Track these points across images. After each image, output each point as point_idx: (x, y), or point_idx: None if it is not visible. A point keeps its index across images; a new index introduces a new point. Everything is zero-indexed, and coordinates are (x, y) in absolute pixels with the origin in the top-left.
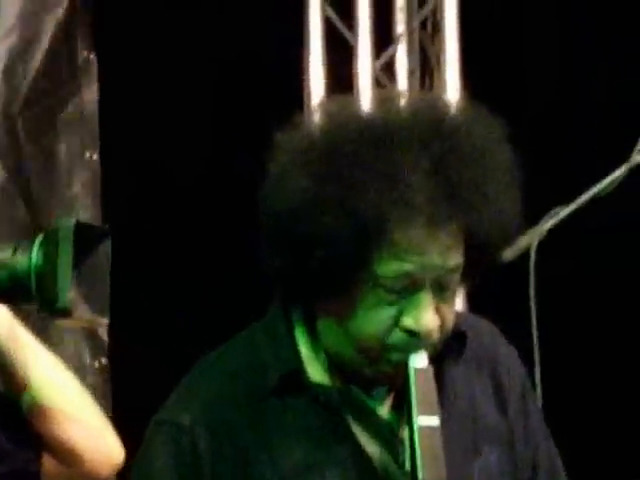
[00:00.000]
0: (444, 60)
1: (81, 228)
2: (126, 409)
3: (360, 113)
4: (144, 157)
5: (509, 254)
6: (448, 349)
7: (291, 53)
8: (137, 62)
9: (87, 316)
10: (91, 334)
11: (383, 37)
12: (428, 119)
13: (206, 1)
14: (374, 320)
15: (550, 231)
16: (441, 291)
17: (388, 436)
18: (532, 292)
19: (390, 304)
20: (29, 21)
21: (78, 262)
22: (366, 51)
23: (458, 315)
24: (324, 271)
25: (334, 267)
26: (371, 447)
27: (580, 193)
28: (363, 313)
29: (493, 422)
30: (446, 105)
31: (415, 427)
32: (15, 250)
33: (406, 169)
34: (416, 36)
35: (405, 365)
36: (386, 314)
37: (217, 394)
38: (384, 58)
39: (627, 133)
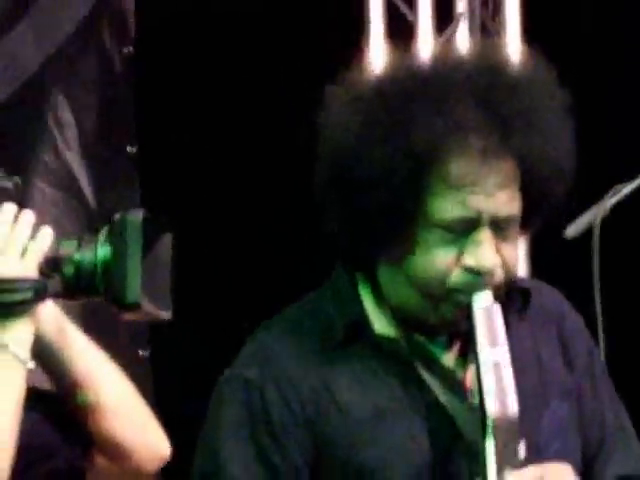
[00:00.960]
0: (505, 39)
1: (147, 220)
2: (168, 401)
3: (410, 62)
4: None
5: (572, 231)
6: (512, 303)
7: (353, 33)
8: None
9: (151, 311)
10: (132, 325)
11: (444, 16)
12: (477, 59)
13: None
14: (435, 260)
15: (613, 208)
16: (501, 230)
17: (454, 383)
18: (596, 269)
19: (449, 243)
20: None
21: (143, 255)
22: (427, 29)
23: (522, 278)
24: (382, 212)
25: (391, 206)
26: (440, 394)
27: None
28: (423, 254)
29: (560, 377)
30: (497, 49)
31: (481, 359)
32: (79, 244)
33: (455, 101)
34: (477, 15)
35: (469, 307)
36: (446, 254)
37: (284, 349)
38: (445, 36)
39: None
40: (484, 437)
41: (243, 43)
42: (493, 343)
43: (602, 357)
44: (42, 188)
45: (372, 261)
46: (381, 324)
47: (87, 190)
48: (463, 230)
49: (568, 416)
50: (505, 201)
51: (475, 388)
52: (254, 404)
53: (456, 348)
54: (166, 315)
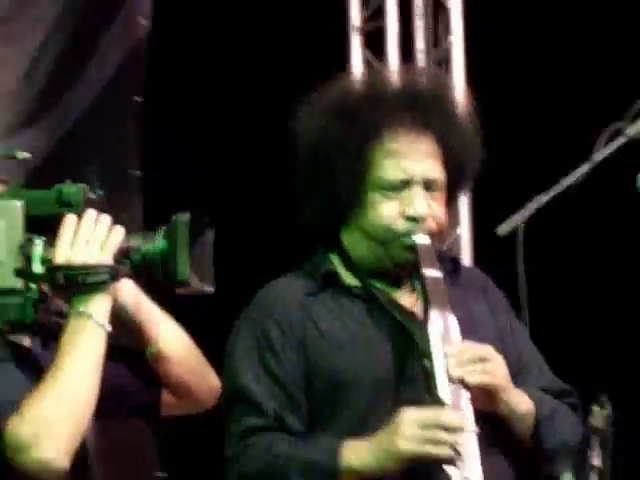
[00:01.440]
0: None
1: (194, 220)
2: None
3: (363, 81)
4: None
5: (503, 230)
6: (446, 271)
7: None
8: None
9: (198, 286)
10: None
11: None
12: (409, 78)
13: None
14: (383, 214)
15: (534, 212)
16: (430, 190)
17: (405, 312)
18: (520, 261)
19: (392, 200)
20: None
21: (191, 245)
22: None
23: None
24: (342, 182)
25: (348, 175)
26: (396, 315)
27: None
28: (374, 211)
29: (486, 323)
30: (426, 75)
31: (425, 276)
32: (143, 238)
33: (391, 100)
34: (432, 70)
35: (413, 245)
36: (390, 208)
37: (279, 296)
38: None
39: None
40: (427, 326)
41: (232, 74)
42: (432, 266)
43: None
44: None
45: (337, 232)
46: (348, 277)
47: None
48: (402, 189)
49: (490, 343)
50: (431, 167)
51: (419, 298)
52: (259, 335)
53: (407, 289)
54: (210, 290)
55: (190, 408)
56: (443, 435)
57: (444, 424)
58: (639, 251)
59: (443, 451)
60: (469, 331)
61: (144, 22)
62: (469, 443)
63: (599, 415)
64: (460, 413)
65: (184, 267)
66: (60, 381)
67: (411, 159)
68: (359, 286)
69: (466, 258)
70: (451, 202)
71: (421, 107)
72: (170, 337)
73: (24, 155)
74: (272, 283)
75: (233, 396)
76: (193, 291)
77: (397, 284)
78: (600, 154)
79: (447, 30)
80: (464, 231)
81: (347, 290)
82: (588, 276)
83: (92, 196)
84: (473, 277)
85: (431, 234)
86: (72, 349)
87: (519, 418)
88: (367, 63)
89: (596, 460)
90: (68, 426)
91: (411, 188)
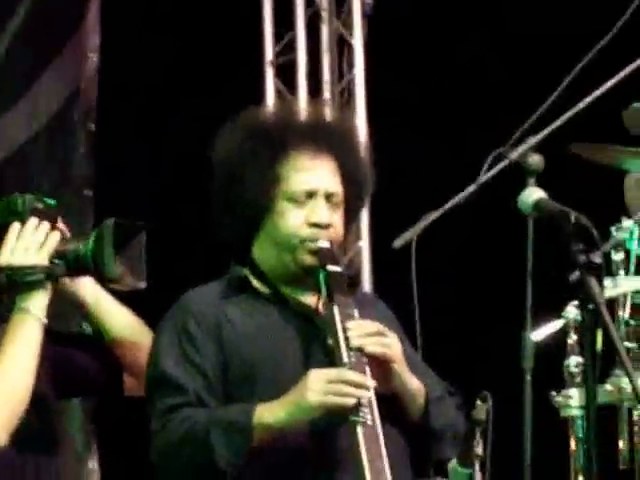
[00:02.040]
0: (355, 117)
1: (121, 225)
2: None
3: (271, 109)
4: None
5: (398, 243)
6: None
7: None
8: None
9: (130, 283)
10: None
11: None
12: (311, 111)
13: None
14: (290, 221)
15: (425, 227)
16: (331, 203)
17: (311, 310)
18: (413, 271)
19: (298, 209)
20: None
21: (123, 247)
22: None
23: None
24: (253, 194)
25: (258, 188)
26: (302, 312)
27: (448, 200)
28: (281, 220)
29: None
30: (327, 107)
31: (328, 270)
32: (79, 242)
33: (296, 126)
34: (337, 100)
35: (317, 249)
36: (296, 216)
37: (197, 298)
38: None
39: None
40: (332, 307)
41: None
42: (333, 262)
43: (419, 349)
44: None
45: (248, 245)
46: (257, 284)
47: None
48: (306, 200)
49: None
50: (332, 182)
51: (322, 288)
52: (179, 330)
53: (312, 293)
54: (142, 286)
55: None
56: (347, 388)
57: (347, 379)
58: (518, 263)
59: (348, 401)
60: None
61: (94, 57)
62: (369, 396)
63: (481, 408)
64: (361, 374)
65: (111, 265)
66: (0, 369)
67: (315, 174)
68: (269, 292)
69: (366, 268)
70: (349, 216)
71: (322, 132)
72: (127, 326)
73: None
74: (191, 290)
75: (156, 381)
76: (125, 287)
77: (303, 288)
78: (485, 176)
79: (350, 64)
80: (364, 244)
81: (258, 294)
82: (473, 286)
83: (39, 205)
84: (366, 297)
85: (331, 241)
86: (12, 340)
87: (411, 395)
88: (279, 93)
89: (479, 449)
90: (6, 407)
91: (315, 199)
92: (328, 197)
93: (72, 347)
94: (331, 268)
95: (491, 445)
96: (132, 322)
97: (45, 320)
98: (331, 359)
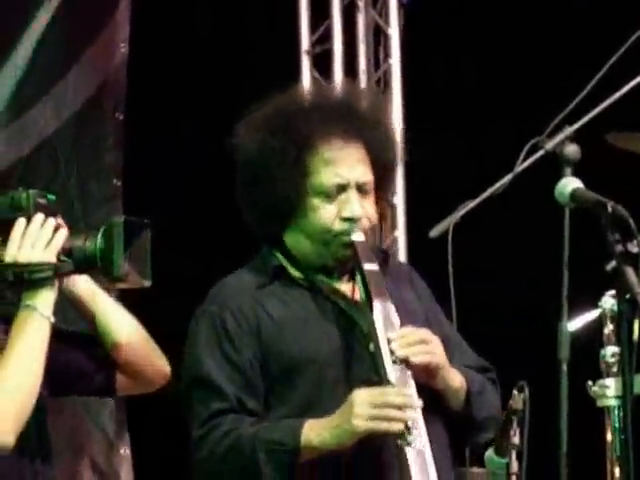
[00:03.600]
0: (391, 106)
1: (129, 222)
2: None
3: (293, 97)
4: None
5: (435, 233)
6: (377, 258)
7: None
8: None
9: (137, 281)
10: None
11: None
12: (335, 94)
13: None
14: (322, 216)
15: (462, 217)
16: (362, 192)
17: (346, 298)
18: (450, 260)
19: (329, 203)
20: None
21: (129, 244)
22: None
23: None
24: (283, 190)
25: (288, 184)
26: (339, 303)
27: (483, 190)
28: (313, 214)
29: (416, 309)
30: (349, 88)
31: (365, 269)
32: (85, 239)
33: (325, 112)
34: (358, 85)
35: (351, 242)
36: (328, 210)
37: (232, 289)
38: None
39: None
40: (372, 315)
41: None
42: (370, 260)
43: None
44: None
45: (280, 235)
46: (294, 271)
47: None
48: (337, 193)
49: (422, 326)
50: (363, 172)
51: (361, 289)
52: (217, 326)
53: (345, 279)
54: (148, 284)
55: (141, 389)
56: (393, 412)
57: (393, 403)
58: (554, 253)
59: (395, 427)
60: (404, 316)
61: (123, 47)
62: (416, 418)
63: (518, 398)
64: (406, 391)
65: (120, 264)
66: (7, 367)
67: (345, 165)
68: (304, 278)
69: (402, 257)
70: (380, 195)
71: (348, 117)
72: (122, 325)
73: None
74: (224, 279)
75: (195, 383)
76: (132, 285)
77: (337, 276)
78: (521, 166)
79: (386, 53)
80: (400, 233)
81: (294, 282)
82: (509, 276)
83: (42, 201)
84: (400, 268)
85: (365, 232)
86: (19, 338)
87: (453, 392)
88: (315, 82)
89: (515, 438)
90: (14, 406)
91: (346, 192)
92: (359, 187)
93: (66, 344)
94: (368, 267)
95: (527, 435)
96: (127, 320)
97: (53, 318)
98: (374, 366)
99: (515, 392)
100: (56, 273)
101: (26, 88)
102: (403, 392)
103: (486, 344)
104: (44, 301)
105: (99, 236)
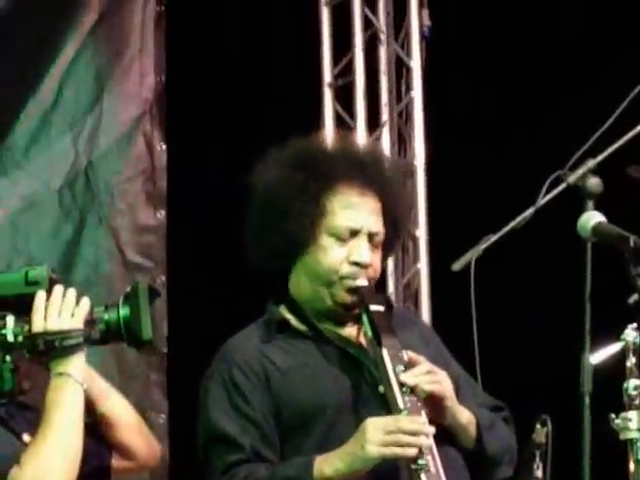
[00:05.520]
0: (413, 138)
1: (151, 288)
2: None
3: (317, 141)
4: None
5: (457, 266)
6: (380, 304)
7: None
8: None
9: (158, 346)
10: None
11: (373, 123)
12: (361, 149)
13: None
14: (331, 257)
15: (484, 250)
16: (372, 242)
17: (352, 343)
18: (472, 292)
19: (340, 246)
20: None
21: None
22: (362, 133)
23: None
24: (299, 225)
25: (305, 220)
26: (344, 347)
27: (505, 224)
28: (323, 254)
29: (421, 349)
30: (367, 144)
31: (371, 309)
32: (105, 307)
33: (344, 163)
34: (395, 122)
35: (356, 287)
36: (338, 253)
37: (240, 346)
38: (374, 136)
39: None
40: (381, 351)
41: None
42: (376, 301)
43: (478, 370)
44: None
45: (285, 280)
46: (297, 323)
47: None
48: (349, 237)
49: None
50: (376, 222)
51: (367, 328)
52: (227, 382)
53: (349, 325)
54: (164, 350)
55: (135, 470)
56: (406, 438)
57: (406, 429)
58: (576, 286)
59: (408, 452)
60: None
61: (159, 78)
62: (430, 443)
63: (541, 432)
64: (418, 418)
65: (147, 328)
66: (51, 434)
67: (361, 212)
68: (307, 329)
69: (425, 290)
70: (385, 253)
71: (371, 170)
72: (118, 406)
73: None
74: (231, 338)
75: (211, 439)
76: (153, 352)
77: (340, 322)
78: (543, 199)
79: (408, 86)
80: (423, 266)
81: (298, 333)
82: (531, 309)
83: (53, 275)
84: (403, 313)
85: (369, 280)
86: (58, 406)
87: (462, 427)
88: (337, 115)
89: (538, 472)
90: (64, 472)
91: (358, 238)
92: (370, 236)
93: None
94: (374, 308)
95: (551, 468)
96: (122, 402)
97: (85, 385)
98: (385, 404)
99: (538, 426)
100: (86, 339)
101: (54, 122)
102: (415, 419)
103: (508, 377)
104: (76, 368)
105: (121, 304)
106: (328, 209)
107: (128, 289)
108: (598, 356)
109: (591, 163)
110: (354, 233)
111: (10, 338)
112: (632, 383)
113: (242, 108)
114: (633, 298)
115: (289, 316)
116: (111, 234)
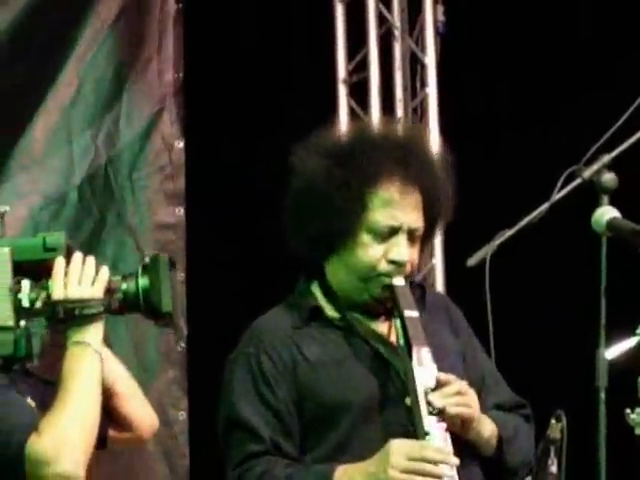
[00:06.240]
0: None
1: (171, 262)
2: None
3: (360, 130)
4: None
5: (472, 261)
6: (415, 298)
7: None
8: None
9: (174, 319)
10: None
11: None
12: (398, 133)
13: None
14: (369, 254)
15: (499, 246)
16: (411, 238)
17: (383, 340)
18: (488, 289)
19: (379, 243)
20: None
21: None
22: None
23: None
24: (340, 218)
25: (346, 214)
26: (376, 346)
27: (520, 219)
28: (362, 250)
29: (453, 349)
30: (412, 131)
31: (405, 316)
32: (123, 277)
33: (386, 155)
34: (410, 118)
35: (391, 285)
36: (377, 250)
37: (268, 330)
38: None
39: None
40: (411, 362)
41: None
42: (410, 307)
43: (492, 344)
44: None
45: (321, 267)
46: (329, 310)
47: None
48: (389, 234)
49: (458, 368)
50: (416, 218)
51: (400, 335)
52: (253, 367)
53: (382, 319)
54: (181, 324)
55: (129, 441)
56: (429, 467)
57: (431, 458)
58: (592, 281)
59: None
60: (441, 359)
61: (176, 75)
62: (453, 476)
63: (556, 427)
64: (444, 447)
65: (168, 300)
66: (71, 401)
67: (402, 209)
68: (340, 318)
69: (440, 286)
70: (424, 244)
71: (411, 163)
72: (121, 378)
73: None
74: (261, 318)
75: (231, 425)
76: (168, 324)
77: (373, 315)
78: (558, 194)
79: (423, 82)
80: (438, 262)
81: (330, 322)
82: (546, 304)
83: (70, 242)
84: (436, 299)
85: (406, 276)
86: (76, 374)
87: (485, 442)
88: (352, 110)
89: (553, 467)
90: (82, 440)
91: (397, 235)
92: (410, 232)
93: None
94: (408, 314)
95: (566, 464)
96: (125, 374)
97: (103, 354)
98: (412, 418)
99: (553, 421)
100: (106, 309)
101: (73, 117)
102: (441, 449)
103: (524, 372)
104: (95, 337)
105: (140, 275)
106: (369, 206)
107: (147, 260)
108: (613, 351)
109: (606, 158)
110: (394, 230)
111: (25, 303)
112: None
113: (259, 104)
114: None
115: (323, 302)
116: (130, 231)
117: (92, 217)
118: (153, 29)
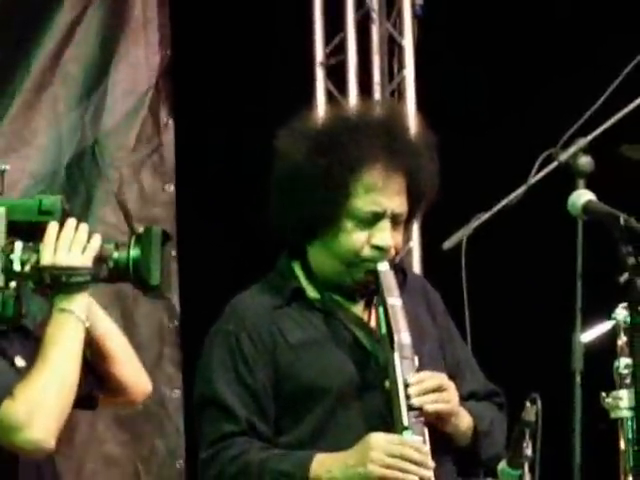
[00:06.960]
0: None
1: (164, 234)
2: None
3: (341, 113)
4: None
5: (448, 244)
6: (398, 282)
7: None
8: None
9: (164, 291)
10: (167, 303)
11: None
12: (382, 116)
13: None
14: (353, 239)
15: (475, 229)
16: (395, 223)
17: (362, 324)
18: (463, 271)
19: (363, 229)
20: None
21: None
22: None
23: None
24: (323, 203)
25: (329, 200)
26: (355, 331)
27: (497, 202)
28: (345, 236)
29: (430, 332)
30: (393, 113)
31: (387, 304)
32: (116, 246)
33: (368, 139)
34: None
35: (375, 270)
36: (361, 235)
37: (249, 308)
38: None
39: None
40: (393, 352)
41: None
42: (391, 294)
43: (467, 327)
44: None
45: (304, 248)
46: (311, 291)
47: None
48: (372, 220)
49: (436, 353)
50: (399, 203)
51: (382, 323)
52: (232, 345)
53: (362, 303)
54: (169, 296)
55: (121, 405)
56: (408, 465)
57: (410, 457)
58: (568, 265)
59: (409, 478)
60: (419, 343)
61: (166, 51)
62: (430, 477)
63: (531, 410)
64: (424, 447)
65: (156, 273)
66: (48, 368)
67: (385, 195)
68: (320, 299)
69: (417, 269)
70: (408, 226)
71: (394, 148)
72: (117, 344)
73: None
74: (242, 295)
75: (207, 402)
76: (157, 296)
77: (353, 297)
78: (534, 177)
79: (401, 65)
80: (415, 245)
81: (311, 304)
82: (522, 288)
83: (66, 206)
84: (415, 282)
85: (390, 261)
86: (57, 341)
87: (461, 434)
88: (329, 94)
89: (528, 450)
90: (57, 408)
91: (381, 220)
92: (394, 217)
93: None
94: (391, 301)
95: (540, 447)
96: (122, 339)
97: (87, 323)
98: (389, 407)
99: (528, 404)
100: (93, 278)
101: (60, 97)
102: (420, 448)
103: (499, 355)
104: (80, 305)
105: (132, 245)
106: (352, 193)
107: (140, 230)
108: (589, 335)
109: (582, 142)
110: (377, 216)
111: (16, 266)
112: (622, 362)
113: (243, 84)
114: (623, 277)
115: (305, 283)
116: (119, 209)
117: (80, 196)
118: (137, 7)
